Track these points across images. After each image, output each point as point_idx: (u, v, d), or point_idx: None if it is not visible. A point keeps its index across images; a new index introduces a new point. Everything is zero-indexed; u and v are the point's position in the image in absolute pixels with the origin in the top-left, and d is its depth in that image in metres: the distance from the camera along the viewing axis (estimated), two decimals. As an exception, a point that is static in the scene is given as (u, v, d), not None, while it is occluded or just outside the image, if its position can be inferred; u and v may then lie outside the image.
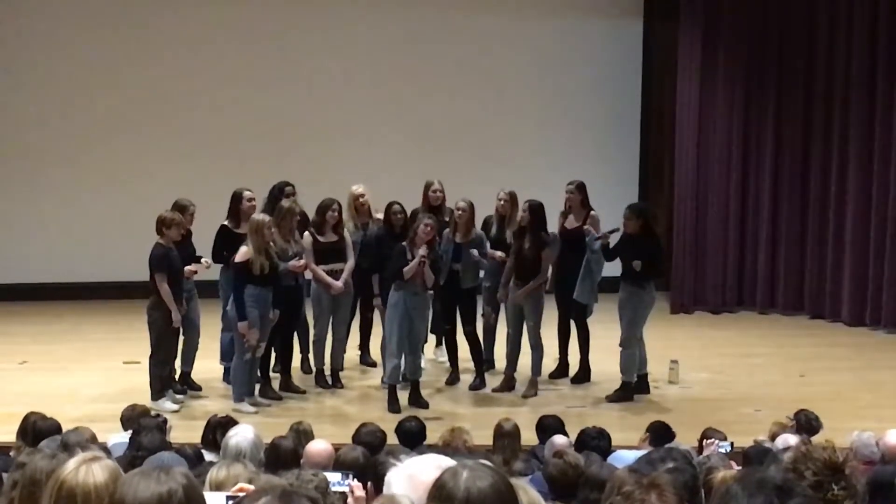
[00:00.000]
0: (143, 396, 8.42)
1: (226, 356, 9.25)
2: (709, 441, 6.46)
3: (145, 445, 5.53)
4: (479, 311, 9.66)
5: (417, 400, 8.92)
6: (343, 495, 3.72)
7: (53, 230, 12.94)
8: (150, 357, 8.76)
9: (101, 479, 2.86)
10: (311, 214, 9.34)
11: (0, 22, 12.81)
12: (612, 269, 9.27)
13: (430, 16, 13.21)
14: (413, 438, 6.67)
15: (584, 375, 9.63)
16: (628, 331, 9.10)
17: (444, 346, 9.82)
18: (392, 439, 6.59)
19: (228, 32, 12.91)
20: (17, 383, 9.59)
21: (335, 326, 9.47)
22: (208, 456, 5.81)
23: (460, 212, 9.27)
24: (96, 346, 10.89)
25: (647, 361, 9.34)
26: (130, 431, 6.16)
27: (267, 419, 8.35)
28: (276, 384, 9.24)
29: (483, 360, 9.56)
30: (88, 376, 9.81)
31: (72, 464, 2.91)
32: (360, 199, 9.73)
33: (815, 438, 6.25)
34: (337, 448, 5.49)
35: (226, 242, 9.15)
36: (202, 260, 9.13)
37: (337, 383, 9.50)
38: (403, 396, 8.92)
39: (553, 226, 9.41)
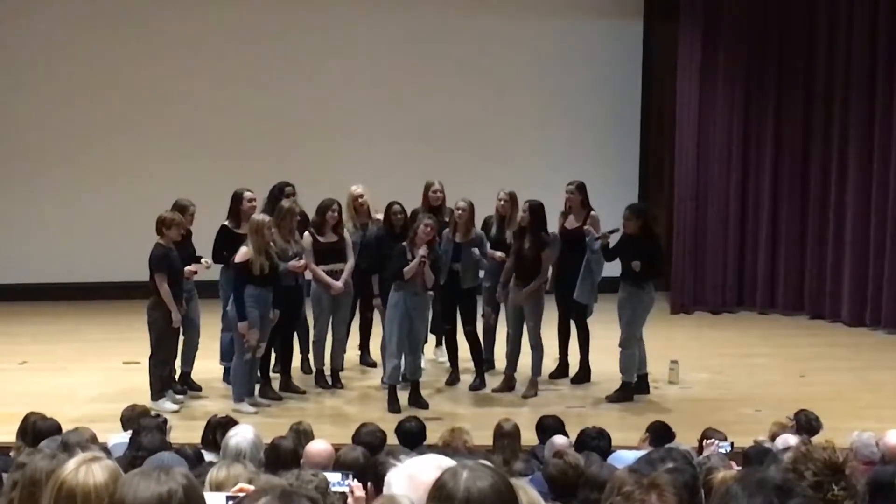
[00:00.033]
0: (143, 396, 8.42)
1: (226, 356, 9.25)
2: (709, 441, 6.46)
3: (145, 445, 5.53)
4: (479, 311, 9.66)
5: (417, 400, 8.92)
6: (343, 495, 3.73)
7: (53, 230, 12.92)
8: (150, 357, 8.77)
9: (101, 480, 2.86)
10: (311, 214, 9.34)
11: (0, 22, 12.81)
12: (612, 269, 9.27)
13: (430, 16, 13.20)
14: (413, 439, 6.67)
15: (584, 376, 9.62)
16: (628, 331, 9.10)
17: (444, 347, 9.81)
18: (392, 439, 6.59)
19: (228, 32, 12.90)
20: (17, 383, 9.59)
21: (335, 327, 9.46)
22: (208, 456, 5.81)
23: (460, 212, 9.26)
24: (96, 347, 10.88)
25: (646, 361, 9.34)
26: (130, 432, 6.16)
27: (267, 419, 8.36)
28: (276, 384, 9.24)
29: (483, 360, 9.55)
30: (88, 376, 9.81)
31: (72, 464, 2.91)
32: (359, 200, 9.72)
33: (815, 438, 6.25)
34: (337, 448, 5.49)
35: (226, 243, 9.15)
36: (202, 260, 9.12)
37: (337, 383, 9.49)
38: (403, 397, 8.92)
39: (553, 226, 9.41)
